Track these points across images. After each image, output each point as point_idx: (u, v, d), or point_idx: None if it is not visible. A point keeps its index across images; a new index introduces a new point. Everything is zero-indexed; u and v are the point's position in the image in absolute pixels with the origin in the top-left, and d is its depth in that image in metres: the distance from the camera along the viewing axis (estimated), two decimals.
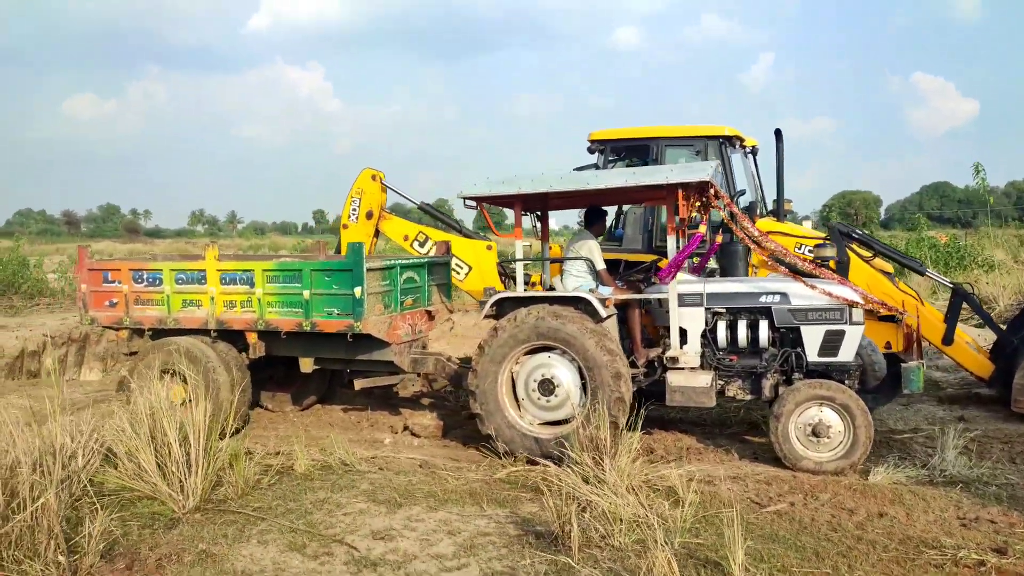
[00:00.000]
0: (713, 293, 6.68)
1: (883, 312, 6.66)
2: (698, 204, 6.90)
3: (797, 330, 6.49)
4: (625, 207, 9.42)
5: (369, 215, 9.92)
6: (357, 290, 7.07)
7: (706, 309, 6.67)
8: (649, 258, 8.57)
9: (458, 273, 9.74)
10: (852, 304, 6.32)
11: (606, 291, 6.98)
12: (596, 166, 9.20)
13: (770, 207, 9.28)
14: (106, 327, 8.18)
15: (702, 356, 6.68)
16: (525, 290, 7.16)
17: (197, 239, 72.57)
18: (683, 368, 6.63)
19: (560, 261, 7.54)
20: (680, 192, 6.33)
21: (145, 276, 7.85)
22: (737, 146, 8.96)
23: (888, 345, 7.74)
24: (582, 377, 6.55)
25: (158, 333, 7.92)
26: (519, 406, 6.80)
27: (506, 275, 10.06)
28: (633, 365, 6.75)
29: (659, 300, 6.93)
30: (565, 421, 6.66)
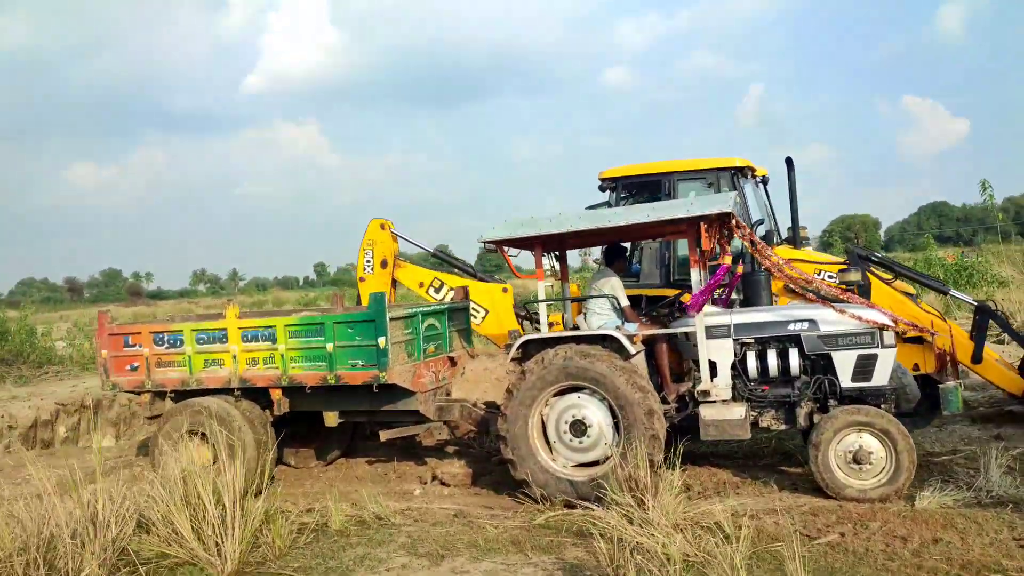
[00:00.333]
0: (740, 324, 6.63)
1: (913, 333, 6.61)
2: (719, 236, 6.88)
3: (828, 356, 6.43)
4: (639, 242, 9.42)
5: (384, 264, 9.92)
6: (381, 340, 7.02)
7: (734, 340, 6.62)
8: (669, 292, 8.54)
9: (475, 317, 9.70)
10: (883, 327, 6.27)
11: (632, 328, 6.94)
12: (608, 204, 9.22)
13: (784, 235, 9.27)
14: (128, 392, 8.11)
15: (733, 388, 6.62)
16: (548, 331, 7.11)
17: (199, 299, 72.66)
18: (715, 401, 6.55)
19: (583, 300, 7.50)
20: (702, 224, 6.32)
21: (166, 338, 7.81)
22: (749, 176, 8.98)
23: (916, 367, 7.68)
24: (614, 416, 6.47)
25: (180, 395, 7.85)
26: (551, 449, 6.70)
27: (524, 317, 10.02)
28: (664, 401, 6.68)
29: (686, 334, 6.88)
30: (597, 462, 6.57)
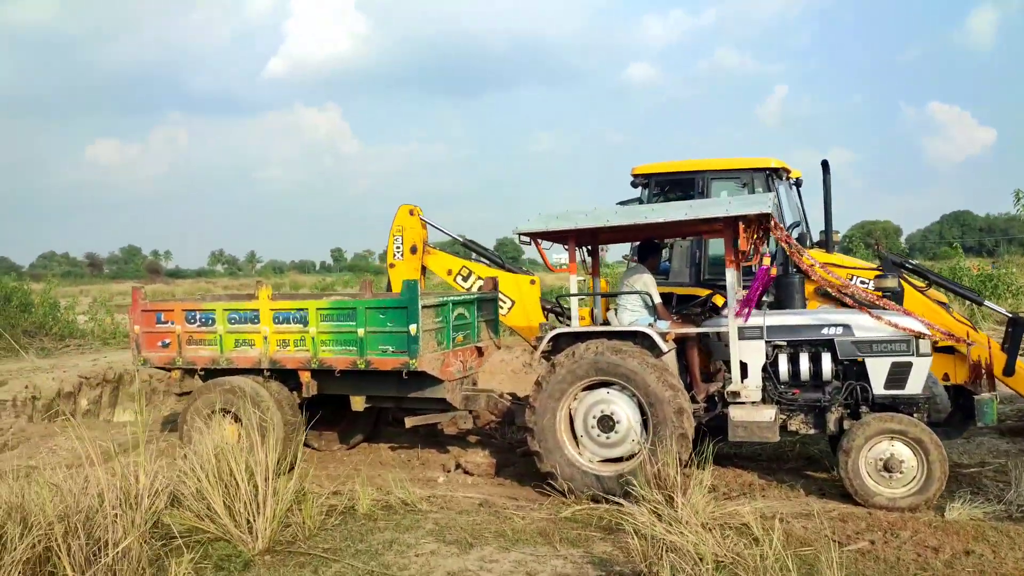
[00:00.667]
0: (773, 326, 6.61)
1: (948, 343, 6.56)
2: (755, 237, 6.85)
3: (862, 362, 6.40)
4: (667, 240, 9.39)
5: (413, 250, 9.94)
6: (412, 327, 7.05)
7: (766, 342, 6.60)
8: (698, 291, 8.52)
9: (501, 308, 9.71)
10: (919, 335, 6.23)
11: (663, 325, 6.92)
12: (640, 200, 9.19)
13: (816, 238, 9.22)
14: (158, 367, 8.18)
15: (763, 390, 6.60)
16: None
17: (217, 279, 73.17)
18: (745, 402, 6.53)
19: (615, 296, 7.50)
20: (740, 225, 6.30)
21: (198, 316, 7.87)
22: (783, 178, 8.93)
23: (946, 376, 7.62)
24: (642, 413, 6.47)
25: (210, 373, 7.92)
26: (577, 443, 6.71)
27: (550, 310, 10.03)
28: (692, 400, 6.67)
29: (717, 334, 6.86)
30: (622, 458, 6.58)
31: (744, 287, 7.46)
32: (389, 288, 9.89)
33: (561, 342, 6.91)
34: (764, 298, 7.69)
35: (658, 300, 7.19)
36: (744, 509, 5.58)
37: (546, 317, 9.86)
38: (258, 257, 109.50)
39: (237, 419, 7.38)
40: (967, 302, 9.72)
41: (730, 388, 6.57)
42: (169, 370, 8.12)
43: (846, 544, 5.15)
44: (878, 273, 7.59)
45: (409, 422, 7.96)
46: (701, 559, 4.53)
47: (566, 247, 7.31)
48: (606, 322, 7.50)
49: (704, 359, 7.21)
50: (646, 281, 7.26)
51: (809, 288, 7.86)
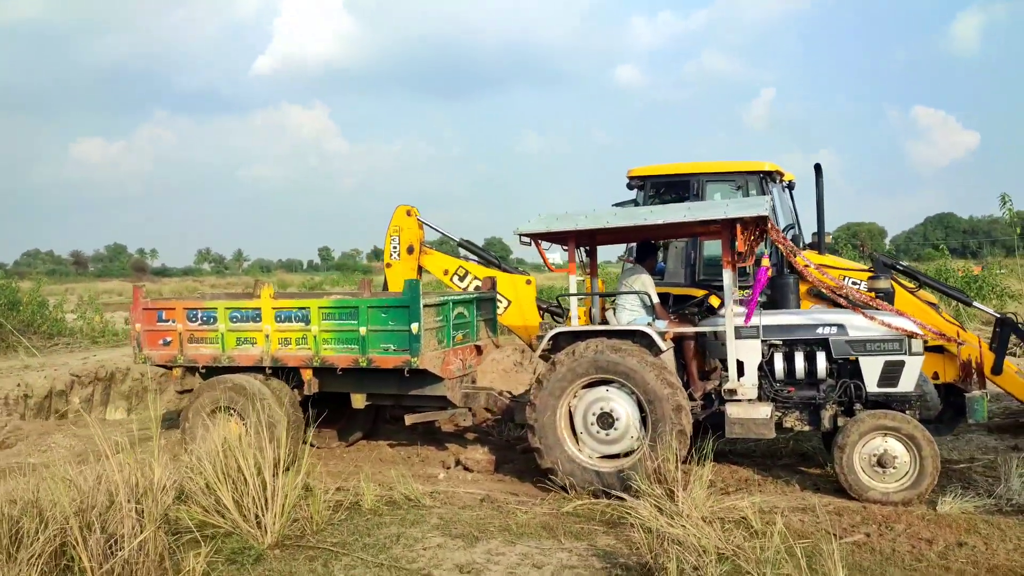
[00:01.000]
0: (769, 325, 6.75)
1: (938, 342, 6.72)
2: (752, 239, 6.99)
3: (855, 361, 6.55)
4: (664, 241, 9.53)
5: (410, 250, 10.02)
6: (414, 326, 7.15)
7: (762, 341, 6.74)
8: (694, 291, 8.65)
9: (497, 307, 9.82)
10: (911, 335, 6.39)
11: (661, 325, 7.05)
12: (635, 202, 9.32)
13: (808, 240, 9.38)
14: (160, 366, 8.24)
15: (759, 388, 6.74)
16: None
17: (204, 277, 72.87)
18: (741, 400, 6.67)
19: (614, 295, 7.62)
20: (738, 227, 6.43)
21: (200, 315, 7.94)
22: (777, 180, 9.08)
23: (936, 375, 7.80)
24: (641, 410, 6.60)
25: (211, 371, 7.98)
26: (577, 440, 6.83)
27: (546, 310, 10.14)
28: (690, 398, 6.80)
29: (714, 333, 7.00)
30: (620, 455, 6.70)
31: (740, 288, 7.61)
32: (385, 287, 9.97)
33: (561, 341, 7.02)
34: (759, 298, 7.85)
35: (656, 300, 7.32)
36: (742, 503, 5.72)
37: (542, 317, 9.98)
38: (245, 256, 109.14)
39: (239, 416, 7.45)
40: (953, 303, 9.91)
41: (727, 386, 6.70)
42: (170, 368, 8.17)
43: (843, 537, 5.29)
44: (869, 274, 7.75)
45: (409, 419, 8.05)
46: (704, 551, 4.65)
47: (565, 248, 7.43)
48: (604, 321, 7.62)
49: (701, 358, 7.34)
50: (644, 281, 7.39)
51: (803, 288, 8.02)
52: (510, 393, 8.36)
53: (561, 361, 6.82)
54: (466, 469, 7.82)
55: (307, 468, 5.89)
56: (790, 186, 9.62)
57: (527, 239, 7.17)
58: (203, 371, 8.05)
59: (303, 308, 7.64)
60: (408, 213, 10.14)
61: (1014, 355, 11.58)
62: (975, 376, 6.70)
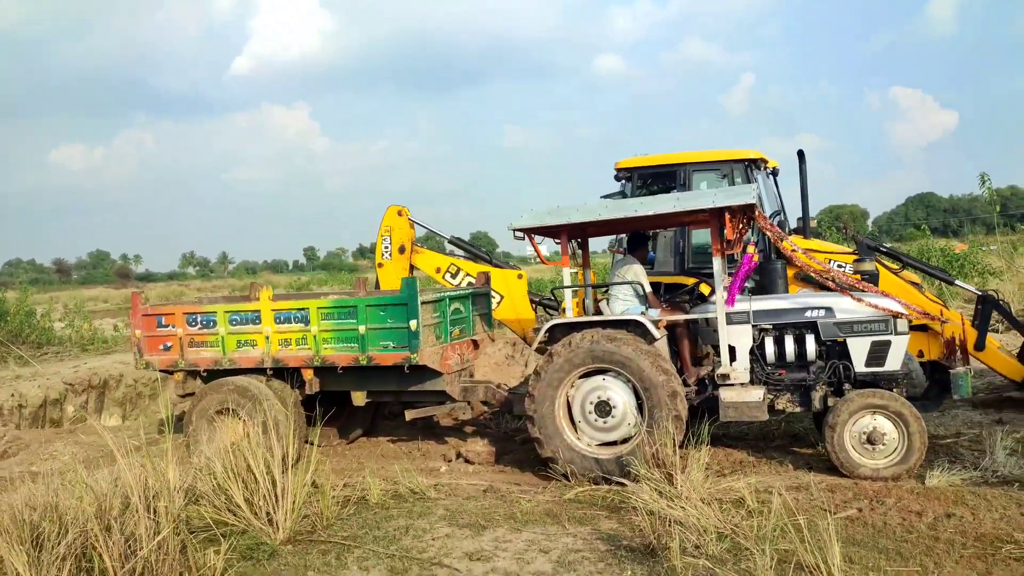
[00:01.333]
0: (759, 310, 6.93)
1: (922, 321, 6.93)
2: (740, 226, 7.17)
3: (843, 342, 6.74)
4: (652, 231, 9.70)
5: (402, 250, 10.15)
6: (413, 323, 7.29)
7: (753, 326, 6.92)
8: (683, 279, 8.84)
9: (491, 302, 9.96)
10: (897, 315, 6.59)
11: (654, 313, 7.22)
12: (623, 193, 9.49)
13: (793, 225, 9.57)
14: (161, 371, 8.33)
15: (751, 372, 6.92)
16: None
17: (189, 281, 72.53)
18: (734, 384, 6.85)
19: (607, 287, 7.78)
20: (727, 215, 6.60)
21: (199, 319, 8.04)
22: (761, 168, 9.27)
23: (920, 353, 8.02)
24: (637, 398, 6.77)
25: (213, 374, 8.09)
26: (576, 429, 6.99)
27: (538, 303, 10.30)
28: (684, 384, 6.98)
29: (705, 320, 7.17)
30: (616, 442, 6.87)
31: (729, 275, 7.79)
32: (377, 287, 10.09)
33: (557, 333, 7.17)
34: (747, 284, 8.04)
35: (648, 289, 7.49)
36: (739, 484, 5.89)
37: (535, 310, 10.14)
38: (230, 258, 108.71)
39: (242, 418, 7.56)
40: (936, 282, 10.15)
41: (719, 371, 6.88)
42: (172, 372, 8.27)
43: (836, 512, 5.48)
44: (855, 257, 7.96)
45: (409, 415, 8.19)
46: (704, 531, 4.85)
47: (557, 241, 7.58)
48: (598, 312, 7.79)
49: (693, 344, 7.52)
50: (636, 271, 7.56)
51: (790, 273, 8.22)
52: (506, 386, 8.52)
53: (558, 352, 6.97)
54: (467, 461, 7.98)
55: (315, 465, 6.02)
56: (774, 172, 9.81)
57: (521, 234, 7.32)
58: (204, 374, 8.15)
59: (302, 309, 7.76)
60: (399, 213, 10.27)
61: (997, 331, 11.87)
62: (958, 353, 6.91)
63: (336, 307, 7.68)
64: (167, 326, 8.14)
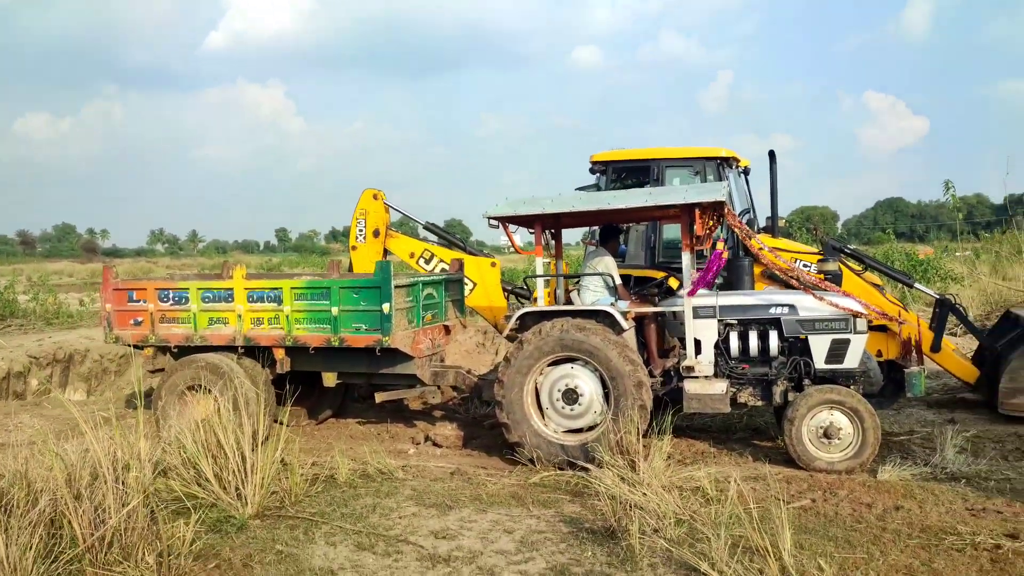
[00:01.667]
0: (725, 305, 7.10)
1: (881, 322, 7.15)
2: (710, 223, 7.33)
3: (805, 339, 6.94)
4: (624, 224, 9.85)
5: (376, 233, 10.20)
6: (385, 306, 7.37)
7: (719, 321, 7.09)
8: (653, 273, 9.00)
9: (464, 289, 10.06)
10: (856, 315, 6.80)
11: (623, 305, 7.37)
12: (598, 186, 9.63)
13: (762, 224, 9.78)
14: (131, 345, 8.33)
15: (715, 365, 7.10)
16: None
17: (158, 258, 71.66)
18: (698, 377, 7.03)
19: (578, 277, 7.92)
20: (697, 211, 6.76)
21: (171, 295, 8.05)
22: (733, 166, 9.45)
23: (879, 353, 8.27)
24: (604, 387, 6.92)
25: (184, 350, 8.10)
26: (543, 415, 7.13)
27: (511, 291, 10.41)
28: (650, 375, 7.14)
29: (673, 313, 7.34)
30: (583, 429, 7.03)
31: (698, 270, 7.95)
32: (351, 270, 10.15)
33: (528, 321, 7.30)
34: (716, 280, 8.22)
35: (619, 281, 7.64)
36: (699, 473, 6.07)
37: (507, 298, 10.26)
38: (200, 236, 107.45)
39: (212, 395, 7.60)
40: (900, 284, 10.43)
41: (685, 363, 7.05)
42: (142, 348, 8.27)
43: (791, 502, 5.68)
44: (820, 257, 8.17)
45: (379, 397, 8.28)
46: (663, 515, 5.01)
47: (531, 231, 7.69)
48: (569, 302, 7.93)
49: (660, 337, 7.69)
50: (607, 263, 7.70)
51: (757, 270, 8.42)
52: (476, 372, 8.64)
53: (528, 340, 7.10)
54: (435, 445, 8.09)
55: (284, 443, 6.09)
56: (745, 171, 10.01)
57: (495, 222, 7.42)
58: (175, 351, 8.16)
59: (275, 289, 7.80)
60: (375, 197, 10.31)
61: (955, 335, 12.21)
62: (913, 353, 7.14)
63: (309, 288, 7.74)
64: (138, 301, 8.14)
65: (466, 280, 10.07)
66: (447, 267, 9.74)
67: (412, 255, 10.45)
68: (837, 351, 6.84)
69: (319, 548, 4.94)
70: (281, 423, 9.14)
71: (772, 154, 9.24)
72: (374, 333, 7.47)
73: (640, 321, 7.42)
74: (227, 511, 5.43)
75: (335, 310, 7.56)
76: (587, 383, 6.95)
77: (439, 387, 8.23)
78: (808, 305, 6.94)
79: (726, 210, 6.91)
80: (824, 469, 6.47)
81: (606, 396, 6.91)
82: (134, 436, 5.81)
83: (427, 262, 10.37)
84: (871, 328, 7.81)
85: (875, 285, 8.82)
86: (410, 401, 9.79)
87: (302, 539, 5.09)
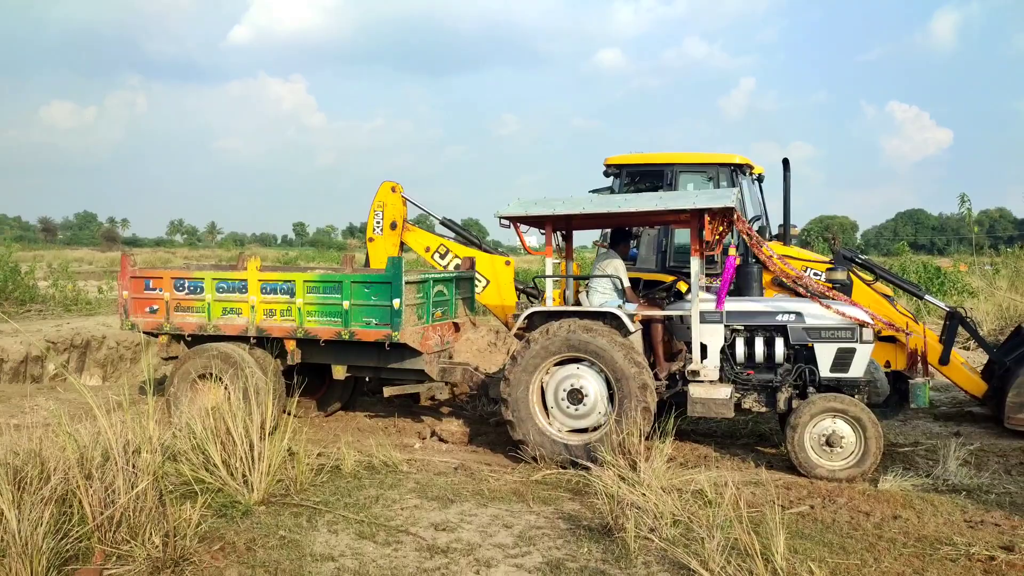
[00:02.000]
0: (732, 311, 7.15)
1: (888, 332, 7.17)
2: (720, 229, 7.38)
3: (811, 347, 6.98)
4: (636, 228, 9.90)
5: (393, 226, 10.30)
6: (396, 302, 7.47)
7: (725, 326, 7.14)
8: (663, 277, 9.05)
9: (476, 286, 10.14)
10: (863, 324, 6.82)
11: (631, 307, 7.44)
12: (611, 189, 9.68)
13: (775, 231, 9.80)
14: (146, 332, 8.48)
15: (721, 370, 7.15)
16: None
17: (176, 248, 72.35)
18: (703, 381, 7.08)
19: (587, 279, 7.99)
20: (706, 217, 6.82)
21: (187, 284, 8.19)
22: (747, 173, 9.48)
23: (887, 363, 8.28)
24: (609, 388, 6.99)
25: (197, 339, 8.25)
26: (548, 414, 7.21)
27: (522, 291, 10.49)
28: (655, 378, 7.20)
29: (680, 317, 7.39)
30: (587, 429, 7.09)
31: (707, 275, 8.01)
32: (367, 263, 10.26)
33: (536, 320, 7.38)
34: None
35: (627, 284, 7.70)
36: (700, 477, 6.12)
37: (519, 297, 10.33)
38: (218, 228, 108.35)
39: (223, 383, 7.73)
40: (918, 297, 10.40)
41: (690, 367, 7.11)
42: (156, 335, 8.42)
43: (789, 508, 5.72)
44: (829, 266, 8.20)
45: (387, 391, 8.38)
46: (660, 516, 5.07)
47: (542, 231, 7.77)
48: (578, 303, 8.00)
49: (667, 340, 7.74)
50: (617, 266, 7.76)
51: (767, 277, 8.45)
52: (484, 370, 8.73)
53: (535, 339, 7.18)
54: (441, 440, 8.19)
55: (291, 433, 6.20)
56: (759, 179, 10.03)
57: (507, 222, 7.50)
58: (188, 339, 8.31)
59: (288, 281, 7.93)
60: (393, 189, 10.40)
61: (968, 349, 12.18)
62: (919, 364, 7.16)
63: (322, 281, 7.86)
64: (155, 289, 8.29)
65: (479, 277, 10.16)
66: (461, 263, 9.83)
67: (428, 249, 10.54)
68: (842, 360, 6.87)
69: (321, 535, 5.05)
70: (290, 414, 9.30)
71: (786, 162, 9.26)
72: (384, 328, 7.58)
73: (647, 324, 7.48)
74: (233, 496, 5.55)
75: (346, 304, 7.67)
76: (592, 384, 7.01)
77: (446, 383, 8.33)
78: (815, 313, 6.97)
79: (735, 216, 6.96)
80: (826, 477, 6.50)
81: (611, 397, 6.98)
82: (146, 421, 5.97)
83: (442, 257, 10.45)
84: (880, 339, 7.84)
85: (885, 296, 8.82)
86: (425, 394, 9.88)
87: (305, 526, 5.20)
